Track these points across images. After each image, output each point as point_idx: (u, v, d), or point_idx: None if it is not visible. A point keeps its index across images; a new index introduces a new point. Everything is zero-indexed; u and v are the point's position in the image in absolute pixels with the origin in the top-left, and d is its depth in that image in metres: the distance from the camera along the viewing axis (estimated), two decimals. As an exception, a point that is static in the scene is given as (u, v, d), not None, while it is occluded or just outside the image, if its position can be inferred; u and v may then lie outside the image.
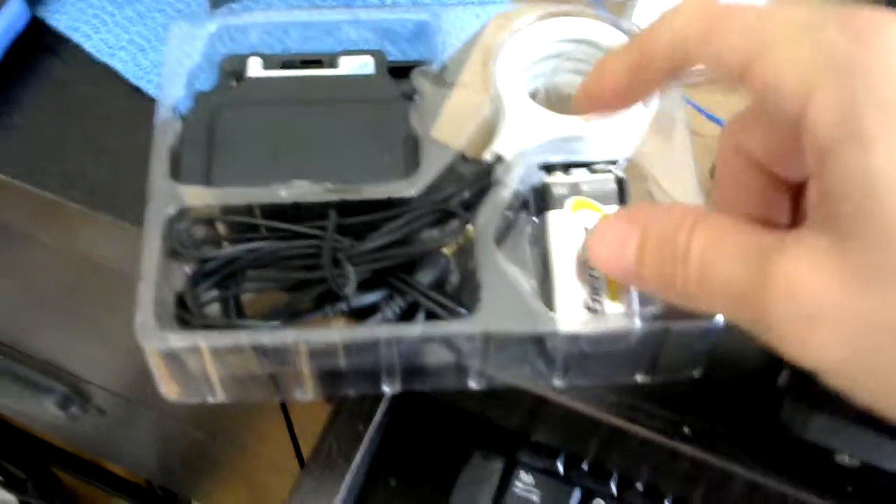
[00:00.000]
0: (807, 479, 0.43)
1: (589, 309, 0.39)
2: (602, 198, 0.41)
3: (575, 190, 0.41)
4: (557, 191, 0.41)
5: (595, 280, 0.39)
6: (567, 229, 0.41)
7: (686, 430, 0.44)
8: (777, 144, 0.31)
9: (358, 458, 0.52)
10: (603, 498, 0.52)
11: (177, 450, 1.08)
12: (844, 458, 0.42)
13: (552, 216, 0.41)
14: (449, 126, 0.45)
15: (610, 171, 0.42)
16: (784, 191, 0.33)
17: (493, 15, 0.48)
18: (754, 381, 0.44)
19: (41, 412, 0.99)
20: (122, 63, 0.54)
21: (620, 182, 0.42)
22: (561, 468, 0.53)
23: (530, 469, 0.53)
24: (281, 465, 0.91)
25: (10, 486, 1.30)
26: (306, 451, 0.84)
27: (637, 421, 0.45)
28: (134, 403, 0.97)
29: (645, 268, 0.32)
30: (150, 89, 0.53)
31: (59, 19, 0.56)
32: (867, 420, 0.40)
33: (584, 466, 0.53)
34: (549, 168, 0.42)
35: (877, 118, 0.26)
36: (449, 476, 0.54)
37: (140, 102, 0.53)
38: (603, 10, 0.47)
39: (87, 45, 0.55)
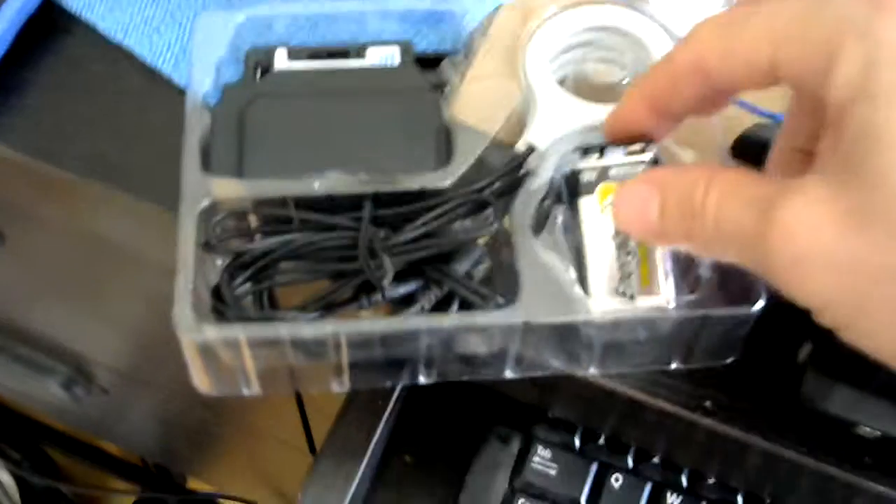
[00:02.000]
0: (826, 451, 0.44)
1: (621, 294, 0.40)
2: None
3: (604, 175, 0.41)
4: (586, 177, 0.41)
5: (627, 265, 0.40)
6: (596, 216, 0.41)
7: (708, 404, 0.45)
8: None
9: (377, 435, 0.52)
10: (619, 471, 0.53)
11: (181, 429, 1.08)
12: (864, 430, 0.42)
13: (583, 203, 0.41)
14: (475, 113, 0.45)
15: (642, 153, 0.40)
16: None
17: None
18: (775, 355, 0.45)
19: (43, 393, 0.98)
20: (136, 43, 0.53)
21: (656, 162, 0.40)
22: (578, 443, 0.54)
23: (547, 444, 0.54)
24: (289, 442, 0.92)
25: (7, 464, 1.30)
26: (315, 427, 0.84)
27: (659, 395, 0.45)
28: (139, 383, 0.97)
29: (667, 225, 0.34)
30: (165, 69, 0.52)
31: (73, -1, 0.55)
32: (888, 392, 0.41)
33: (601, 441, 0.54)
34: (585, 151, 0.42)
35: (890, 77, 0.28)
36: (465, 451, 0.55)
37: (155, 81, 0.52)
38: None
39: (101, 26, 0.54)
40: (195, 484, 1.37)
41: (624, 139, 0.39)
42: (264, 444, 0.98)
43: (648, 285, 0.40)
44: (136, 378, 0.97)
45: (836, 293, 0.29)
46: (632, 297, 0.39)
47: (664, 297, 0.39)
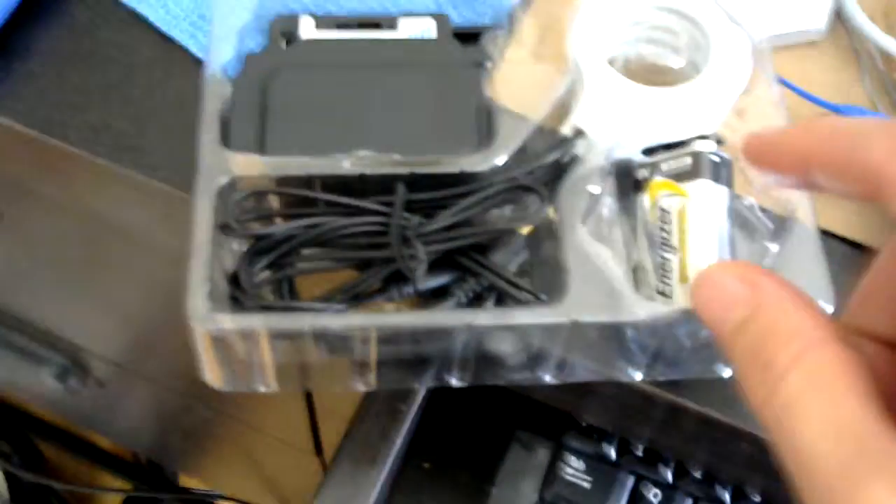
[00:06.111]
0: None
1: (660, 293, 0.36)
2: (678, 176, 0.37)
3: (656, 169, 0.38)
4: (642, 173, 0.38)
5: (667, 262, 0.36)
6: (646, 213, 0.38)
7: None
8: None
9: (399, 440, 0.49)
10: (658, 486, 0.50)
11: (179, 425, 1.05)
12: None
13: (640, 200, 0.38)
14: (517, 93, 0.41)
15: (686, 147, 0.37)
16: None
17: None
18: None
19: (37, 384, 0.95)
20: (150, 9, 0.50)
21: (697, 156, 0.37)
22: (613, 453, 0.51)
23: (580, 454, 0.51)
24: (290, 441, 0.88)
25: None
26: (322, 426, 0.81)
27: (703, 401, 0.42)
28: (135, 376, 0.94)
29: (736, 350, 0.27)
30: (181, 38, 0.49)
31: (83, -42, 0.51)
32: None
33: (639, 452, 0.51)
34: (651, 151, 0.38)
35: None
36: (486, 458, 0.52)
37: (170, 51, 0.49)
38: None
39: (113, -13, 0.51)
40: (188, 481, 1.34)
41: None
42: (265, 443, 0.95)
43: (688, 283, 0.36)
44: (135, 371, 0.93)
45: None
46: (668, 297, 0.36)
47: None
